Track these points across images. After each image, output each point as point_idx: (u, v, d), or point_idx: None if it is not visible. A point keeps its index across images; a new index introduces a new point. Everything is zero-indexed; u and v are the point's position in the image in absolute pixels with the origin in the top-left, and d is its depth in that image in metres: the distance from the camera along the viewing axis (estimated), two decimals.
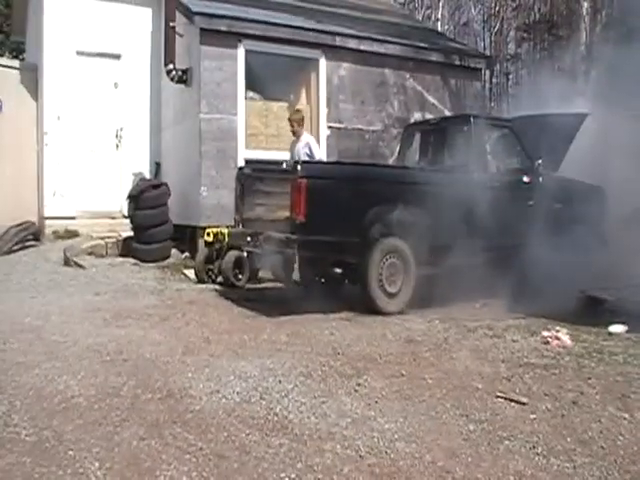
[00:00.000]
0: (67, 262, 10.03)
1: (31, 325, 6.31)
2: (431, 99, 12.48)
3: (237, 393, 4.39)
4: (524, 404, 4.22)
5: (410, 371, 4.98)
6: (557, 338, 5.83)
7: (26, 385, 4.49)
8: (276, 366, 5.02)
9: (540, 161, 8.29)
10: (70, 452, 3.43)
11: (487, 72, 15.61)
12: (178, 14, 10.92)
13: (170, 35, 10.98)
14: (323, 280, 8.28)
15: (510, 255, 7.89)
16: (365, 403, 4.25)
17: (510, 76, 28.63)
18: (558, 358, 5.35)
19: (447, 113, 12.24)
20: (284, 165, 7.55)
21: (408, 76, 12.27)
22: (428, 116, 11.87)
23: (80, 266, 9.77)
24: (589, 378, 4.77)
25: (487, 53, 22.62)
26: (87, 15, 11.97)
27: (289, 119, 9.18)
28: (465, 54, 13.52)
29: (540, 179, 8.36)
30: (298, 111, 9.65)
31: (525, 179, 8.36)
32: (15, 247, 11.30)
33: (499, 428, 3.82)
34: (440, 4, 26.53)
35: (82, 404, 4.15)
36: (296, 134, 9.16)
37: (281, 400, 4.27)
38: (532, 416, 4.02)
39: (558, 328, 6.11)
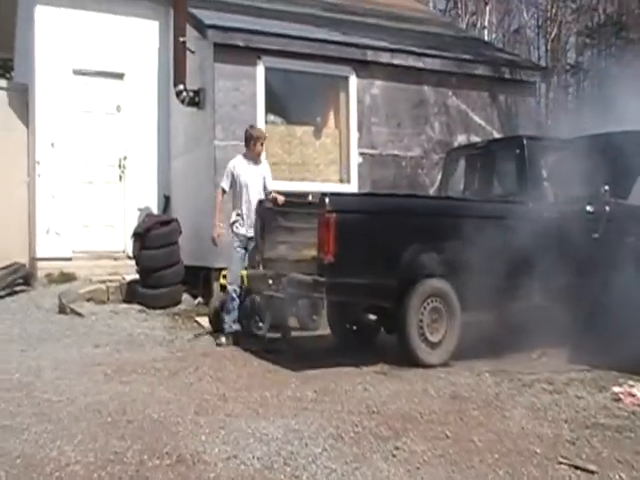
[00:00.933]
0: (62, 309, 10.14)
1: (20, 382, 6.40)
2: (477, 119, 12.53)
3: (257, 458, 4.41)
4: (593, 473, 4.17)
5: (456, 432, 4.97)
6: (631, 394, 5.77)
7: (13, 452, 4.52)
8: (302, 427, 5.05)
9: (607, 187, 8.27)
10: None
11: (542, 86, 15.63)
12: (189, 28, 11.05)
13: (180, 52, 11.13)
14: (355, 328, 8.31)
15: (572, 297, 7.85)
16: (404, 469, 4.25)
17: (570, 89, 28.53)
18: (633, 418, 5.29)
19: (496, 135, 12.27)
20: (310, 197, 7.63)
21: (450, 93, 12.34)
22: (474, 139, 11.91)
23: (77, 314, 9.86)
24: None
25: (542, 64, 22.69)
26: (85, 29, 12.19)
27: (262, 137, 8.77)
28: (516, 66, 13.58)
29: (607, 208, 8.33)
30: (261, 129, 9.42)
31: (589, 209, 8.34)
32: (2, 292, 11.42)
33: None
34: (487, 9, 26.67)
35: (79, 473, 4.18)
36: (259, 156, 8.84)
37: (308, 466, 4.28)
38: None
39: (632, 382, 6.07)
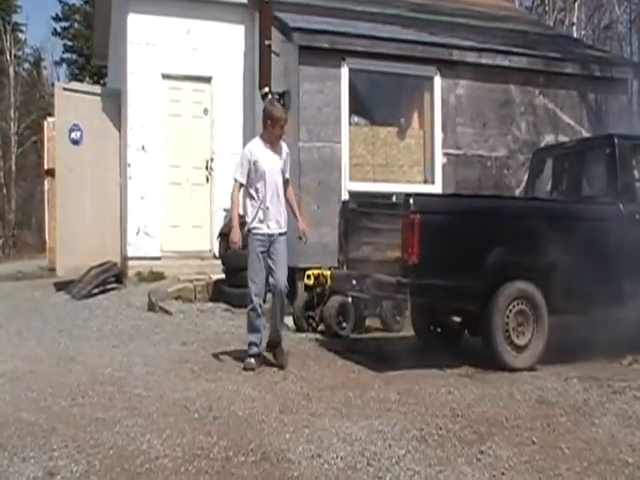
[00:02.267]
0: (152, 307, 10.34)
1: (112, 377, 6.57)
2: (566, 118, 12.30)
3: (341, 458, 4.43)
4: None
5: (543, 438, 4.90)
6: None
7: (106, 444, 4.66)
8: (385, 428, 5.04)
9: None
10: None
11: (635, 82, 15.22)
12: (274, 31, 11.14)
13: (265, 55, 11.21)
14: (439, 330, 8.25)
15: None
16: (489, 474, 4.21)
17: None
18: None
19: (585, 134, 12.04)
20: (394, 198, 7.62)
21: (538, 92, 12.15)
22: (562, 138, 11.71)
23: (166, 312, 10.05)
24: None
25: (635, 60, 22.11)
26: (174, 35, 12.45)
27: (282, 119, 7.23)
28: (607, 63, 13.29)
29: None
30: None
31: None
32: (95, 290, 11.75)
33: None
34: (575, 5, 26.12)
35: (167, 466, 4.27)
36: (279, 139, 7.35)
37: (391, 468, 4.28)
38: None
39: None
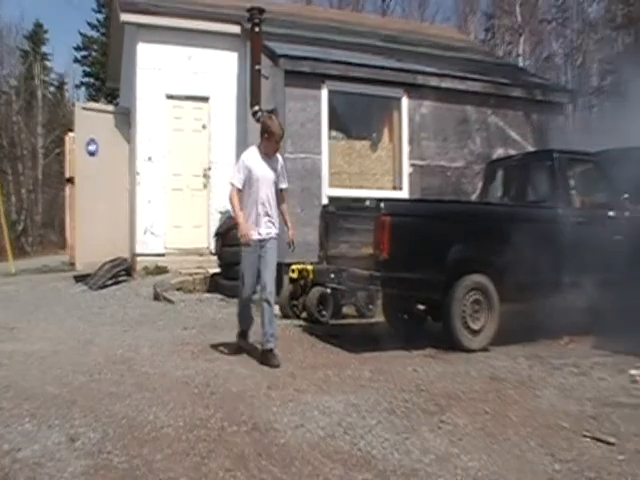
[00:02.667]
0: (157, 297, 10.30)
1: (123, 357, 6.53)
2: (513, 135, 12.35)
3: (321, 428, 4.42)
4: (612, 444, 4.11)
5: (494, 409, 4.91)
6: None
7: (118, 414, 4.65)
8: (360, 402, 5.04)
9: (626, 195, 8.10)
10: None
11: (570, 106, 15.36)
12: (263, 57, 11.17)
13: (255, 77, 11.24)
14: (406, 317, 8.25)
15: (596, 291, 7.70)
16: (449, 440, 4.22)
17: (594, 109, 28.06)
18: None
19: (530, 149, 12.09)
20: (367, 203, 7.59)
21: (490, 112, 12.19)
22: (511, 152, 11.75)
23: (169, 301, 10.01)
24: None
25: (570, 87, 22.27)
26: (176, 60, 12.43)
27: (277, 135, 6.62)
28: (547, 89, 13.38)
29: (626, 214, 8.15)
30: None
31: (611, 214, 8.16)
32: (108, 282, 11.72)
33: (586, 468, 3.73)
34: (521, 40, 26.35)
35: (171, 434, 4.26)
36: (275, 152, 6.76)
37: (365, 435, 4.28)
38: (620, 457, 3.91)
39: None
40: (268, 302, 6.48)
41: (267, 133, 6.58)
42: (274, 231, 6.66)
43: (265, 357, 6.42)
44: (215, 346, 7.07)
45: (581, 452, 3.99)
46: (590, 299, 7.77)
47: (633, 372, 5.81)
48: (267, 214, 6.62)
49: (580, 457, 3.91)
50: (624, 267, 7.71)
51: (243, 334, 6.93)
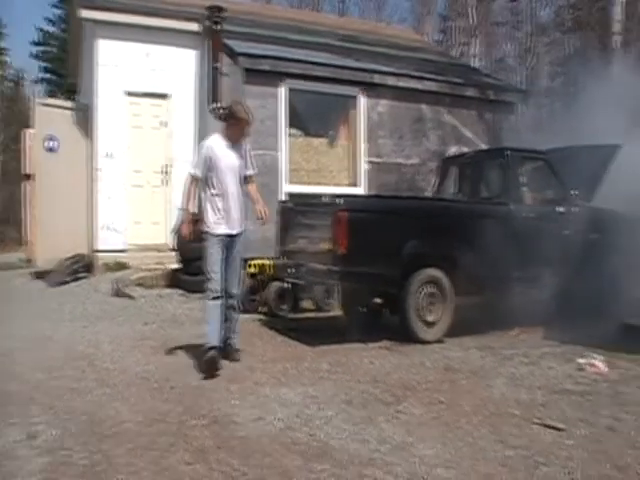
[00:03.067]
0: (117, 293, 10.18)
1: (83, 353, 6.45)
2: (467, 133, 12.48)
3: (280, 420, 4.42)
4: (560, 430, 4.18)
5: (448, 398, 4.96)
6: (593, 365, 5.78)
7: (79, 410, 4.60)
8: (318, 393, 5.05)
9: (575, 192, 8.24)
10: (120, 476, 3.49)
11: (522, 106, 15.59)
12: (223, 55, 11.12)
13: (215, 75, 11.18)
14: (363, 310, 8.28)
15: (546, 284, 7.82)
16: (404, 429, 4.25)
17: (544, 109, 28.46)
18: (594, 385, 5.30)
19: (483, 146, 12.22)
20: (325, 199, 7.60)
21: (444, 111, 12.30)
22: (464, 150, 11.86)
23: (129, 297, 9.90)
24: (625, 405, 4.72)
25: (521, 87, 22.54)
26: (136, 57, 12.27)
27: (245, 121, 6.09)
28: (500, 89, 13.54)
29: (575, 209, 8.30)
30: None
31: (560, 210, 8.30)
32: (68, 278, 11.52)
33: (536, 454, 3.79)
34: (475, 41, 26.59)
35: (132, 429, 4.23)
36: (240, 139, 6.17)
37: (323, 426, 4.29)
38: (568, 442, 3.98)
39: (594, 355, 6.06)
40: (234, 309, 6.24)
41: (234, 119, 6.04)
42: (242, 225, 6.17)
43: (227, 352, 6.17)
44: (175, 341, 7.02)
45: (531, 438, 4.06)
46: (540, 292, 7.90)
47: (580, 361, 5.93)
48: (236, 207, 6.07)
49: (530, 443, 3.97)
50: (573, 261, 7.85)
51: (214, 340, 5.90)
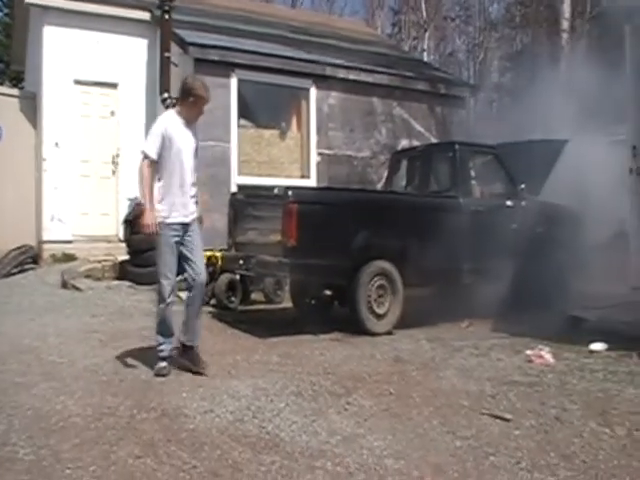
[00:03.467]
0: (65, 285, 10.01)
1: (29, 346, 6.29)
2: (418, 127, 12.59)
3: (230, 412, 4.39)
4: (508, 420, 4.24)
5: (398, 390, 4.99)
6: (540, 356, 5.87)
7: (24, 405, 4.49)
8: (268, 386, 5.03)
9: (523, 186, 8.37)
10: (67, 471, 3.43)
11: (471, 100, 15.78)
12: (173, 44, 10.97)
13: (165, 65, 11.02)
14: (313, 302, 8.29)
15: (494, 277, 7.94)
16: (354, 421, 4.26)
17: (494, 104, 28.83)
18: (541, 376, 5.38)
19: (433, 140, 12.34)
20: (275, 191, 7.57)
21: (395, 104, 12.39)
22: (415, 143, 11.97)
23: (77, 289, 9.74)
24: (571, 394, 4.80)
25: (472, 82, 22.83)
26: (85, 45, 12.04)
27: (204, 99, 5.53)
28: (450, 83, 13.69)
29: (523, 203, 8.43)
30: None
31: (509, 203, 8.42)
32: (14, 270, 11.27)
33: (484, 444, 3.84)
34: (426, 35, 26.83)
35: (79, 424, 4.15)
36: (197, 118, 5.65)
37: (273, 419, 4.27)
38: (516, 432, 4.04)
39: (541, 347, 6.15)
40: (200, 292, 5.58)
41: (192, 96, 5.44)
42: (197, 211, 5.62)
43: (196, 358, 5.52)
44: (124, 333, 6.92)
45: (480, 429, 4.10)
46: (488, 284, 8.02)
47: (528, 352, 6.02)
48: (192, 192, 5.55)
49: (479, 434, 4.02)
50: (520, 254, 7.98)
51: (166, 351, 5.48)
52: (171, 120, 5.50)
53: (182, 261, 5.52)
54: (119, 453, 3.68)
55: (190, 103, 5.48)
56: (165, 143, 5.36)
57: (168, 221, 5.37)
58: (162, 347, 5.46)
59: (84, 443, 3.81)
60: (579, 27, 18.29)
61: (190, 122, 5.54)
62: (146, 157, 5.35)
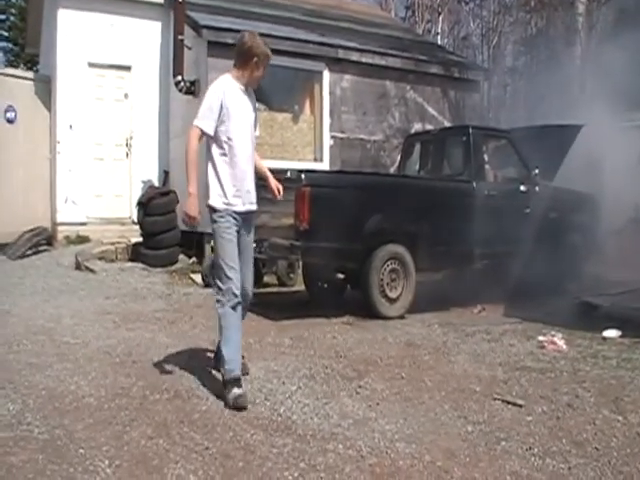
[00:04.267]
0: (78, 266, 10.05)
1: (44, 327, 6.32)
2: (431, 110, 12.50)
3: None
4: (521, 406, 4.22)
5: (410, 374, 4.98)
6: (553, 342, 5.84)
7: (39, 385, 4.50)
8: (280, 368, 5.03)
9: (537, 171, 8.29)
10: (81, 450, 3.44)
11: (485, 84, 15.68)
12: (187, 27, 10.94)
13: (179, 48, 11.00)
14: (326, 285, 8.28)
15: (507, 262, 7.90)
16: (366, 405, 4.25)
17: (508, 88, 28.61)
18: (553, 362, 5.35)
19: (446, 124, 12.25)
20: (288, 174, 7.53)
21: (409, 88, 12.30)
22: (428, 127, 11.89)
23: (91, 270, 9.78)
24: (584, 381, 4.77)
25: (485, 66, 22.63)
26: (99, 28, 12.04)
27: (266, 56, 4.59)
28: (464, 67, 13.56)
29: (536, 188, 8.36)
30: None
31: (522, 188, 8.35)
32: (28, 252, 11.33)
33: (496, 429, 3.82)
34: (440, 19, 26.59)
35: (92, 404, 4.16)
36: (258, 83, 4.72)
37: (285, 401, 4.27)
38: (528, 418, 4.02)
39: (554, 333, 6.12)
40: (245, 308, 4.68)
41: (256, 56, 4.51)
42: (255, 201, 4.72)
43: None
44: (137, 315, 6.94)
45: (492, 414, 4.08)
46: (501, 269, 7.98)
47: (541, 338, 5.99)
48: (252, 176, 4.67)
49: (491, 419, 4.00)
50: (533, 239, 7.93)
51: (236, 369, 4.32)
52: (230, 86, 4.51)
53: None
54: (132, 434, 3.68)
55: (253, 65, 4.51)
56: (223, 114, 4.42)
57: (229, 209, 4.46)
58: (232, 366, 4.31)
59: (97, 423, 3.82)
60: (595, 10, 18.04)
61: (249, 88, 4.63)
62: (200, 132, 4.43)
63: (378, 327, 6.71)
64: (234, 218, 4.49)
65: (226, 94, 4.44)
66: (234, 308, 4.40)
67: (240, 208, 4.51)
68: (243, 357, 4.70)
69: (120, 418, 3.91)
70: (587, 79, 8.98)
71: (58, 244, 11.64)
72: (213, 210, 4.49)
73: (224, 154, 4.46)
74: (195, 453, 3.45)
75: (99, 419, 3.89)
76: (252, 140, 4.64)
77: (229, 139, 4.44)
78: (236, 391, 4.18)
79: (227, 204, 4.46)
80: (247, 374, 4.74)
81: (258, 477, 3.19)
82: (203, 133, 4.42)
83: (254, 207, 4.65)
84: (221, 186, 4.46)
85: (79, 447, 3.48)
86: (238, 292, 4.39)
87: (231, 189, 4.47)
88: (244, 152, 4.53)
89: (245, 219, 4.57)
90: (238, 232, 4.52)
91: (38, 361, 5.12)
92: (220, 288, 4.46)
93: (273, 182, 4.96)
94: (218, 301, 4.46)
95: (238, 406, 4.09)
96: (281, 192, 5.00)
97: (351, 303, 7.65)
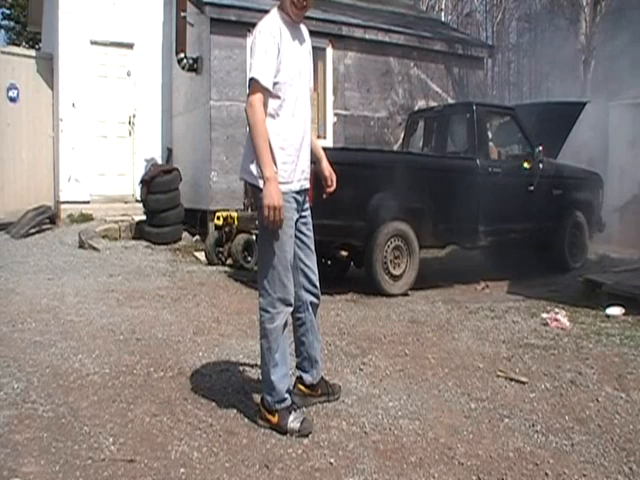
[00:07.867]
0: (82, 245, 10.05)
1: (48, 306, 6.33)
2: (435, 87, 12.41)
3: (245, 371, 4.39)
4: (524, 383, 4.21)
5: (413, 351, 4.97)
6: (556, 320, 5.82)
7: (43, 363, 4.50)
8: None
9: (540, 148, 8.23)
10: (85, 428, 3.43)
11: (489, 61, 15.55)
12: (189, 4, 10.87)
13: (181, 25, 10.94)
14: (329, 262, 8.25)
15: (510, 239, 7.87)
16: (370, 381, 4.24)
17: (512, 65, 28.42)
18: (557, 339, 5.33)
19: (450, 101, 12.17)
20: None
21: (412, 65, 12.21)
22: (432, 104, 11.81)
23: (94, 249, 9.78)
24: (587, 359, 4.75)
25: (489, 43, 22.45)
26: (101, 6, 11.97)
27: None
28: (468, 43, 13.44)
29: (540, 165, 8.30)
30: None
31: (526, 165, 8.29)
32: (32, 230, 11.33)
33: (499, 406, 3.81)
34: None
35: (97, 382, 4.16)
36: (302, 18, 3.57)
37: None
38: (531, 395, 4.01)
39: (557, 310, 6.10)
40: (315, 309, 3.87)
41: None
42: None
43: (329, 387, 3.90)
44: (141, 293, 6.93)
45: (495, 391, 4.07)
46: (504, 246, 7.95)
47: (544, 315, 5.97)
48: (309, 145, 3.70)
49: (494, 396, 3.99)
50: (536, 216, 7.89)
51: (289, 397, 3.51)
52: (282, 25, 3.43)
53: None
54: (136, 411, 3.68)
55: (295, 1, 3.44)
56: (281, 62, 3.40)
57: (288, 188, 3.47)
58: (283, 395, 3.47)
59: (102, 401, 3.82)
60: None
61: (298, 25, 3.57)
62: (260, 88, 3.36)
63: (382, 304, 6.70)
64: (296, 201, 3.55)
65: (282, 36, 3.40)
66: (286, 323, 3.52)
67: (298, 187, 3.56)
68: (322, 379, 3.87)
69: (124, 396, 3.91)
70: (590, 56, 8.88)
71: (62, 222, 11.64)
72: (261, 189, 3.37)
73: (282, 117, 3.46)
74: (199, 430, 3.44)
75: (103, 397, 3.89)
76: (310, 95, 3.65)
77: (287, 95, 3.45)
78: (295, 417, 3.43)
79: (284, 183, 3.44)
80: (335, 395, 3.89)
81: (262, 454, 3.18)
82: (262, 86, 3.35)
83: (308, 185, 3.70)
84: (278, 159, 3.42)
85: (83, 425, 3.48)
86: (293, 301, 3.55)
87: (288, 163, 3.48)
88: (305, 113, 3.57)
89: (303, 200, 3.68)
90: (299, 214, 3.63)
91: (42, 339, 5.12)
92: (270, 295, 3.47)
93: (327, 168, 4.01)
94: (266, 311, 3.47)
95: (304, 434, 3.37)
96: (334, 184, 4.05)
97: (355, 280, 7.63)
